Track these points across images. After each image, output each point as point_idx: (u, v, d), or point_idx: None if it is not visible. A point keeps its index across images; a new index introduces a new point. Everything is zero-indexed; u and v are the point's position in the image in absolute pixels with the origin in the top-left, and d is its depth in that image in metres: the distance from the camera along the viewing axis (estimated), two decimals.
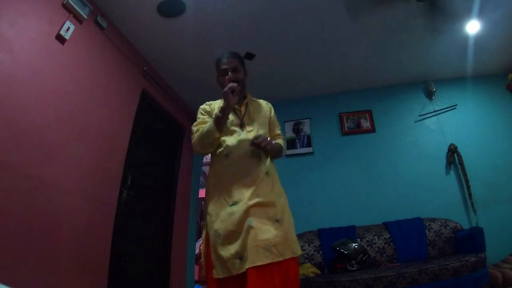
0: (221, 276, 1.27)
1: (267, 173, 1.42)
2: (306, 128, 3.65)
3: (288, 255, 1.23)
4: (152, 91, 3.03)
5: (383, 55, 3.12)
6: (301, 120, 3.69)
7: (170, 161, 3.42)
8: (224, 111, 1.39)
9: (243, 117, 1.53)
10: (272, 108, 1.71)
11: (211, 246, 1.35)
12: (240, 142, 1.45)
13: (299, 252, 1.31)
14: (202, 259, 1.44)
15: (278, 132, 1.69)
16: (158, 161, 3.17)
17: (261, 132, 1.50)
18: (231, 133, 1.48)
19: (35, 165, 1.68)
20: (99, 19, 2.30)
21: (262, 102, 1.69)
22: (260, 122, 1.56)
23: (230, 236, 1.28)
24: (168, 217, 3.17)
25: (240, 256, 1.22)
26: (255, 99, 1.69)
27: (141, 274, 2.66)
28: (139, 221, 2.73)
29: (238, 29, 2.67)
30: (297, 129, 3.67)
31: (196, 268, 4.21)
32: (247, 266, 1.17)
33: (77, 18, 2.09)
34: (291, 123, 3.70)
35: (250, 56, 2.99)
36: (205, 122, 1.51)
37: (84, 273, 1.92)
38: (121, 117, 2.53)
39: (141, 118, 2.79)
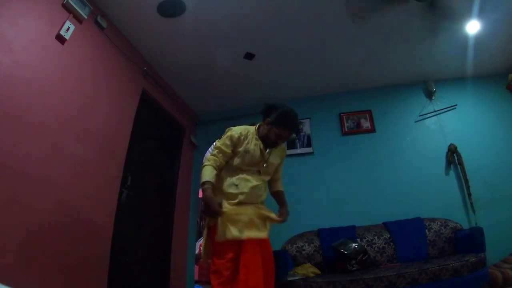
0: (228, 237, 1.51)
1: (262, 202, 1.74)
2: (306, 128, 3.64)
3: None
4: (152, 91, 3.03)
5: (383, 55, 3.12)
6: (301, 120, 3.68)
7: (170, 161, 3.42)
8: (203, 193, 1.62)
9: (264, 164, 1.72)
10: (285, 153, 1.92)
11: (224, 222, 1.54)
12: (252, 181, 1.66)
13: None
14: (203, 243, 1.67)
15: (280, 175, 1.92)
16: (158, 161, 3.17)
17: (271, 175, 1.78)
18: (249, 171, 1.68)
19: (35, 165, 1.68)
20: (99, 19, 2.30)
21: (282, 146, 1.86)
22: (276, 164, 1.79)
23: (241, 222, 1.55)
24: (168, 217, 3.17)
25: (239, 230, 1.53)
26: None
27: (141, 274, 2.66)
28: (139, 221, 2.73)
29: (238, 29, 2.67)
30: (297, 129, 3.67)
31: (196, 268, 4.21)
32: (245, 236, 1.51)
33: (77, 18, 2.09)
34: None
35: (250, 56, 2.99)
36: (225, 154, 1.69)
37: (84, 273, 1.92)
38: (121, 117, 2.53)
39: (141, 118, 2.79)
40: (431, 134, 3.32)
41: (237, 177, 1.66)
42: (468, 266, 2.09)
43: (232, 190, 1.63)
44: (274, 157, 1.78)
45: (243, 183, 1.64)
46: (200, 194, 1.86)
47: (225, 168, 1.71)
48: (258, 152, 1.68)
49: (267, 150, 1.73)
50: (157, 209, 3.05)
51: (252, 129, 1.77)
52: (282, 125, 1.67)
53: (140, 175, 2.77)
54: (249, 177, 1.66)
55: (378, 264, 2.60)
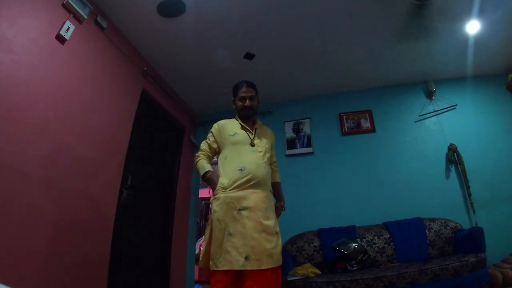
0: (219, 269, 1.43)
1: (270, 190, 1.75)
2: (306, 128, 3.65)
3: (280, 263, 1.52)
4: (152, 91, 3.03)
5: (383, 55, 3.11)
6: (301, 120, 3.69)
7: (170, 161, 3.42)
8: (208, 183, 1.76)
9: (253, 138, 1.79)
10: (274, 136, 2.00)
11: (213, 241, 1.51)
12: (252, 158, 1.69)
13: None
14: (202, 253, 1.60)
15: (275, 159, 2.00)
16: (158, 161, 3.17)
17: (267, 155, 1.78)
18: (244, 150, 1.72)
19: (35, 165, 1.68)
20: (99, 19, 2.30)
21: (268, 130, 1.97)
22: (267, 146, 1.82)
23: (238, 237, 1.47)
24: (168, 217, 3.16)
25: (246, 256, 1.43)
26: (263, 125, 1.96)
27: (141, 274, 2.66)
28: (139, 221, 2.73)
29: (238, 29, 2.67)
30: (297, 129, 3.67)
31: (196, 268, 4.21)
32: (250, 268, 1.41)
33: (77, 18, 2.09)
34: (291, 123, 3.70)
35: (250, 56, 2.99)
36: (210, 149, 1.84)
37: (84, 273, 1.92)
38: (121, 117, 2.53)
39: (141, 118, 2.79)
40: (431, 134, 3.32)
41: (237, 159, 1.68)
42: (468, 266, 2.09)
43: (233, 166, 1.65)
44: (261, 135, 1.86)
45: (244, 159, 1.67)
46: (200, 194, 1.89)
47: (224, 164, 1.73)
48: (242, 130, 1.81)
49: (254, 131, 1.85)
50: (157, 209, 3.05)
51: (233, 119, 1.92)
52: (237, 89, 1.87)
53: (140, 175, 2.77)
54: (246, 148, 1.72)
55: (378, 264, 2.60)
